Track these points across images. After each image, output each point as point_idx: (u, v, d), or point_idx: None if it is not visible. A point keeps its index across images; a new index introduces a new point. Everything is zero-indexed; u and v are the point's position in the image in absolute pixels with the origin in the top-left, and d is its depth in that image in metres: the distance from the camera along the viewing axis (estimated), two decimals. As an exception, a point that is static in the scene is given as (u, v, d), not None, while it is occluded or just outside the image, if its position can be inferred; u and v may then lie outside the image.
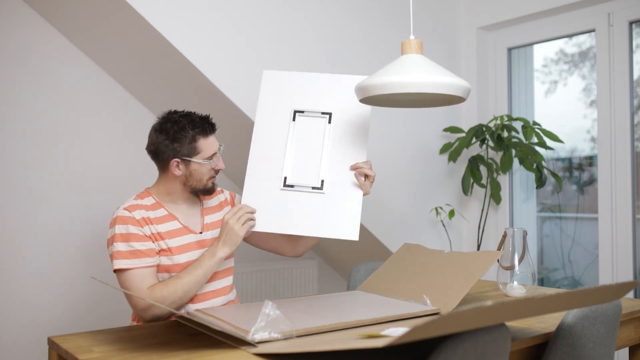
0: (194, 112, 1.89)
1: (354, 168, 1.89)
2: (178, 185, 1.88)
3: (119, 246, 1.76)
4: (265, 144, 1.93)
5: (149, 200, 1.86)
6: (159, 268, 1.81)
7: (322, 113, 1.93)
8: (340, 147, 1.91)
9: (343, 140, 1.92)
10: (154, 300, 1.70)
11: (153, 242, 1.79)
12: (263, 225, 1.85)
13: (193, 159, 1.83)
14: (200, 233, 1.90)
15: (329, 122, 1.93)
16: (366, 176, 1.88)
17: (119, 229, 1.77)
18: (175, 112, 1.87)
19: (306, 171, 1.89)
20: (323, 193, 1.87)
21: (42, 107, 2.66)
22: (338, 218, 1.85)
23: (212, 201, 2.00)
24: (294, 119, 1.93)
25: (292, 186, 1.88)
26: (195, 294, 1.81)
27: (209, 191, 1.91)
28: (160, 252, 1.80)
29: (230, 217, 1.78)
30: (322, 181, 1.88)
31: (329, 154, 1.90)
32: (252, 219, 1.82)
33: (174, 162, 1.83)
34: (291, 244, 2.09)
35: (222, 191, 2.07)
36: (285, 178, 1.88)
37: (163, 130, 1.83)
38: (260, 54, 2.62)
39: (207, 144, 1.85)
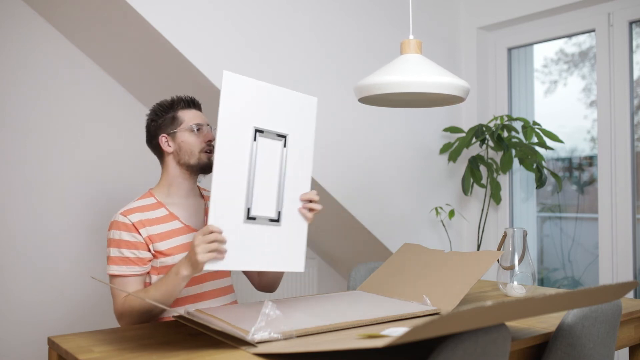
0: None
1: (305, 199, 1.73)
2: (175, 169, 1.87)
3: (112, 252, 1.78)
4: (228, 166, 1.63)
5: (149, 201, 1.86)
6: (162, 269, 1.80)
7: (278, 135, 1.72)
8: (292, 174, 1.74)
9: (295, 166, 1.74)
10: (124, 310, 1.76)
11: (147, 247, 1.78)
12: (225, 263, 1.61)
13: (178, 130, 1.85)
14: None
15: (285, 145, 1.72)
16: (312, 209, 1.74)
17: (114, 234, 1.79)
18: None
19: (266, 201, 1.69)
20: (279, 225, 1.69)
21: (42, 106, 2.66)
22: (287, 250, 1.71)
23: None
24: (255, 139, 1.67)
25: (254, 218, 1.66)
26: (169, 305, 1.72)
27: (206, 167, 1.85)
28: (157, 254, 1.79)
29: (200, 244, 1.55)
30: (279, 213, 1.70)
31: (285, 182, 1.72)
32: (220, 251, 1.57)
33: (162, 137, 1.86)
34: (256, 277, 2.02)
35: None
36: (248, 210, 1.65)
37: (150, 113, 1.92)
38: (260, 53, 2.62)
39: (189, 115, 1.88)
